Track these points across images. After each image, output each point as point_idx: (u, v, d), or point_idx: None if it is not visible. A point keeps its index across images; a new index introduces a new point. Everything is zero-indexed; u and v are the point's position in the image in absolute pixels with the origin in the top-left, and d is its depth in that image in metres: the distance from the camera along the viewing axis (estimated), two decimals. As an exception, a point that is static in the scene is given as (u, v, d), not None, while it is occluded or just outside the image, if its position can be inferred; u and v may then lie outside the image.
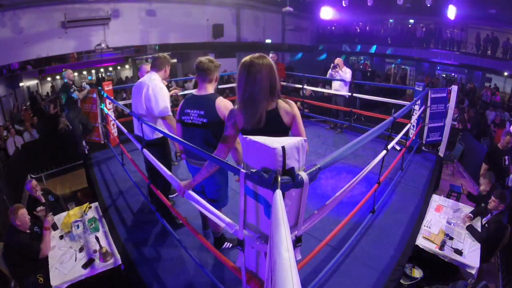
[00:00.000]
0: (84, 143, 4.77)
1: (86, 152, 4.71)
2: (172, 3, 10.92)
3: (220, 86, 7.17)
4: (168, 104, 2.70)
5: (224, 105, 2.05)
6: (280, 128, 1.64)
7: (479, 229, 3.02)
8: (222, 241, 2.55)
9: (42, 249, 2.67)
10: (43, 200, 3.39)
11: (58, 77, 12.67)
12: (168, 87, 4.02)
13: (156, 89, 2.63)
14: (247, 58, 1.62)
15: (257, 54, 1.63)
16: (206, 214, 1.70)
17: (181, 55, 12.80)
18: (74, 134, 4.84)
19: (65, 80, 4.67)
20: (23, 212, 2.70)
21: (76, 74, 4.47)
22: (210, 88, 2.14)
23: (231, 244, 2.55)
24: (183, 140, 1.97)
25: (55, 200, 3.73)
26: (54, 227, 3.03)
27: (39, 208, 3.06)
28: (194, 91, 2.21)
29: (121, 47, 10.23)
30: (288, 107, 1.65)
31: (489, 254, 3.00)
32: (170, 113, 2.70)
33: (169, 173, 2.23)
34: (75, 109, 4.70)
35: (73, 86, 4.62)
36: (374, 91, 8.96)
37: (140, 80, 2.84)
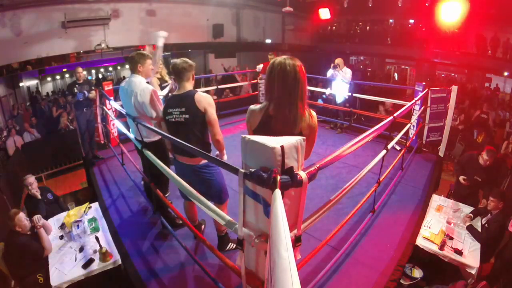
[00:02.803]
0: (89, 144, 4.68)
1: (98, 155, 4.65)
2: (172, 3, 10.92)
3: (220, 86, 7.19)
4: (157, 105, 2.60)
5: (203, 98, 2.16)
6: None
7: (479, 229, 3.02)
8: (226, 241, 2.53)
9: (45, 248, 2.67)
10: (39, 197, 3.38)
11: (58, 77, 12.69)
12: (161, 87, 3.96)
13: (143, 94, 2.55)
14: (280, 58, 1.54)
15: (288, 56, 1.56)
16: (207, 213, 1.69)
17: (181, 55, 12.80)
18: (89, 133, 4.71)
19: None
20: (20, 217, 2.65)
21: (85, 72, 4.33)
22: (188, 86, 2.23)
23: (234, 245, 2.51)
24: (175, 138, 1.98)
25: (55, 200, 3.73)
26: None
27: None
28: (174, 91, 2.32)
29: (121, 47, 10.22)
30: (310, 117, 1.60)
31: (489, 254, 3.00)
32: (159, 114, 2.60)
33: (170, 171, 2.21)
34: (79, 109, 4.62)
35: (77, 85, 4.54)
36: (374, 91, 8.94)
37: (123, 83, 2.73)
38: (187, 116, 2.14)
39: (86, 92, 4.47)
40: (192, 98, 2.13)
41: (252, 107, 1.66)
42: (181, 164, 2.31)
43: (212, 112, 2.16)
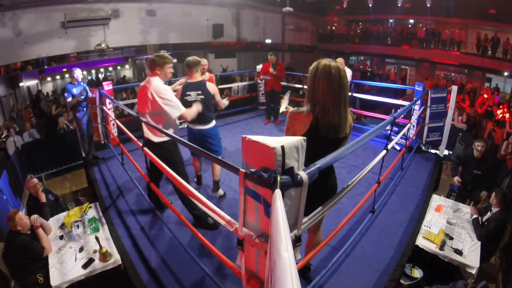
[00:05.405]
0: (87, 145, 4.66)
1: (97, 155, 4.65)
2: (172, 3, 10.92)
3: (219, 86, 7.18)
4: (177, 102, 2.65)
5: (211, 86, 3.10)
6: (344, 140, 1.64)
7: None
8: (217, 185, 3.35)
9: (45, 247, 2.67)
10: (44, 200, 3.36)
11: (58, 77, 12.68)
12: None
13: (159, 92, 2.54)
14: (325, 61, 1.54)
15: (331, 59, 1.58)
16: (206, 211, 1.70)
17: (181, 55, 12.81)
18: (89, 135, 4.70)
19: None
20: (20, 216, 2.63)
21: (85, 72, 4.26)
22: (198, 76, 3.07)
23: (223, 192, 3.41)
24: (184, 140, 2.05)
25: (55, 200, 3.72)
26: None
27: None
28: (188, 80, 3.09)
29: (121, 47, 10.22)
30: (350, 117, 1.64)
31: (489, 254, 3.00)
32: (183, 109, 2.68)
33: (175, 175, 2.12)
34: (78, 109, 4.60)
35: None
36: (373, 91, 8.93)
37: (142, 83, 2.71)
38: (202, 97, 3.03)
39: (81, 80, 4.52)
40: (205, 85, 3.07)
41: (295, 110, 1.62)
42: (194, 131, 3.15)
43: (218, 95, 3.24)
